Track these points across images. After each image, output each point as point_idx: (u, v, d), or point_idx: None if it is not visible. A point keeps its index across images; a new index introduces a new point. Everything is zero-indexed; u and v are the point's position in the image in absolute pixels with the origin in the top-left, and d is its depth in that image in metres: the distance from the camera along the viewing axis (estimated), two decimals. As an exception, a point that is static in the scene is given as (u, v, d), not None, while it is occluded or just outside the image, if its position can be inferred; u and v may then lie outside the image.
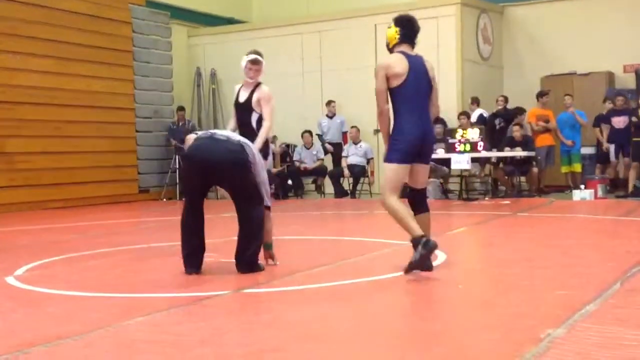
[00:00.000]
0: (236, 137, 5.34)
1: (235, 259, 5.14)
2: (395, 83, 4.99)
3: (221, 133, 5.31)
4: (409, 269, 4.80)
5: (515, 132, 11.94)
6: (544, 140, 12.57)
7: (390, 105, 5.07)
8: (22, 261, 5.92)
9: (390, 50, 5.17)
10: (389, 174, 5.03)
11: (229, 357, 3.12)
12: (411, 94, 5.00)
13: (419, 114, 5.01)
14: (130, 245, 7.02)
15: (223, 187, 5.38)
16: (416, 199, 5.21)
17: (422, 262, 4.76)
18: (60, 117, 12.24)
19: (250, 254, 5.08)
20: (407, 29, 5.10)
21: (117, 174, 13.25)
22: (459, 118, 12.38)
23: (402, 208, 4.99)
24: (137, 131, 13.75)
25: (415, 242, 4.80)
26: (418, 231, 4.83)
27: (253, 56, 6.04)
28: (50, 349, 3.28)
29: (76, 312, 4.07)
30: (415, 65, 5.06)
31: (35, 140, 11.82)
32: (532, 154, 11.89)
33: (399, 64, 4.99)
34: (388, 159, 5.04)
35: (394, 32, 5.10)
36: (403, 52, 5.07)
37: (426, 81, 5.11)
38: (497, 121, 12.69)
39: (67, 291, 4.65)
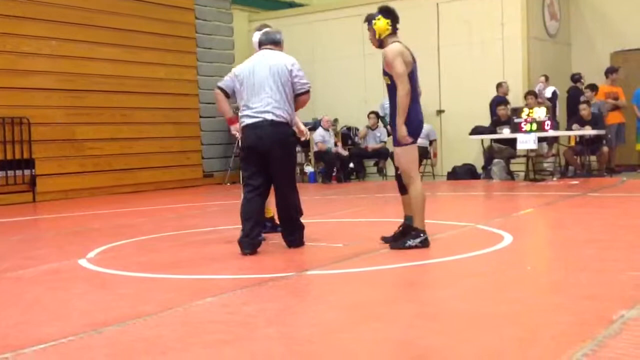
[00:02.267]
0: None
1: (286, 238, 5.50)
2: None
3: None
4: (394, 247, 5.19)
5: (583, 110, 11.59)
6: (614, 118, 12.17)
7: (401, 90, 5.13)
8: (95, 244, 6.10)
9: (381, 41, 5.30)
10: (411, 156, 5.24)
11: (295, 337, 3.15)
12: (414, 82, 5.23)
13: (418, 101, 5.30)
14: (196, 228, 7.16)
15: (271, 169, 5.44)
16: (404, 181, 5.38)
17: (406, 248, 5.14)
18: (128, 104, 12.54)
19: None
20: (395, 19, 5.29)
21: (182, 159, 13.50)
22: (525, 98, 12.08)
23: (424, 198, 5.29)
24: (201, 117, 13.96)
25: (419, 233, 5.19)
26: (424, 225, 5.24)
27: (268, 29, 5.85)
28: (122, 328, 3.38)
29: (147, 293, 4.18)
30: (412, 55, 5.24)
31: (103, 127, 12.15)
32: (602, 132, 11.53)
33: (407, 54, 5.20)
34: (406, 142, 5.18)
35: (384, 24, 5.24)
36: (401, 43, 5.24)
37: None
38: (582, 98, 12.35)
39: (138, 273, 4.78)
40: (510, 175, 11.99)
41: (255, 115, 5.34)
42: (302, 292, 4.15)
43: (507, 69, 12.95)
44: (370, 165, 14.06)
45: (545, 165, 12.52)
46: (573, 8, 14.23)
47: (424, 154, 13.00)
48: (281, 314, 3.55)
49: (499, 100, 12.33)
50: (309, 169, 13.78)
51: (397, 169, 5.44)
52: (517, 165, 12.23)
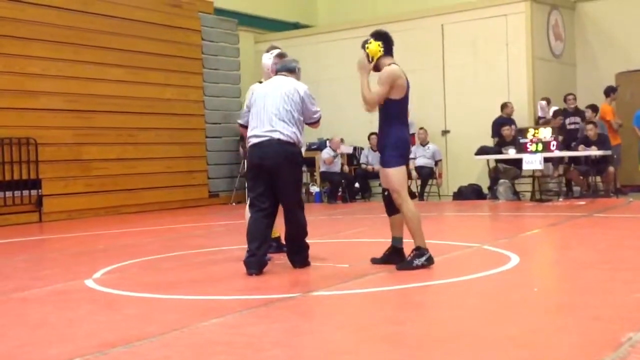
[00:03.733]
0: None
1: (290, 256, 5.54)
2: (399, 95, 5.28)
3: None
4: (401, 268, 5.19)
5: (590, 130, 11.59)
6: (613, 139, 12.18)
7: (384, 112, 5.38)
8: (100, 264, 6.10)
9: (376, 65, 5.37)
10: (401, 177, 5.31)
11: (301, 358, 3.14)
12: (407, 106, 5.37)
13: (407, 123, 5.51)
14: (202, 248, 7.15)
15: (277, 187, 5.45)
16: (392, 201, 5.40)
17: (413, 268, 5.14)
18: (134, 124, 12.60)
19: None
20: (387, 42, 5.37)
21: (188, 179, 13.53)
22: (554, 117, 12.17)
23: (419, 216, 5.31)
24: (207, 137, 14.01)
25: (422, 251, 5.20)
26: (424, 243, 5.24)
27: (278, 50, 6.07)
28: (129, 349, 3.37)
29: (153, 314, 4.17)
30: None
31: (110, 148, 12.20)
32: (609, 152, 11.52)
33: (403, 77, 5.27)
34: (396, 163, 5.27)
35: (376, 46, 5.33)
36: (397, 65, 5.31)
37: None
38: (567, 120, 12.40)
39: (144, 293, 4.78)
40: (516, 195, 11.98)
41: (262, 134, 5.39)
42: (307, 313, 4.14)
43: (512, 89, 12.99)
44: (375, 185, 14.06)
45: (551, 185, 12.50)
46: (578, 29, 14.29)
47: (429, 174, 13.03)
48: (287, 335, 3.53)
49: (503, 121, 12.39)
50: (314, 188, 13.79)
51: (384, 190, 5.50)
52: (523, 186, 12.22)
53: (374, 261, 5.49)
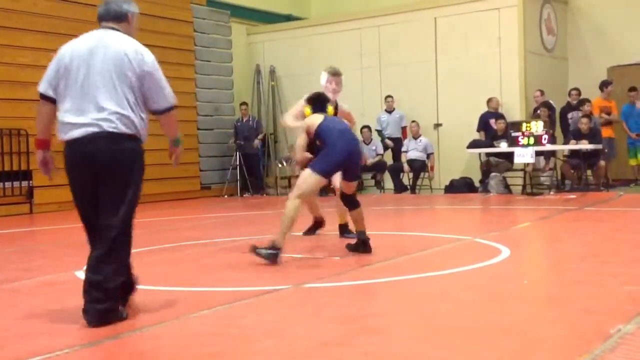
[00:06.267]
0: None
1: None
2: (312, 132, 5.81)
3: None
4: (250, 250, 5.36)
5: (584, 124, 11.61)
6: (605, 132, 12.23)
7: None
8: (91, 256, 6.06)
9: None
10: (311, 182, 5.59)
11: (292, 350, 3.14)
12: (327, 132, 5.75)
13: (342, 136, 5.81)
14: (193, 240, 7.15)
15: None
16: (346, 197, 5.90)
17: (257, 255, 5.31)
18: None
19: None
20: (315, 102, 5.98)
21: (179, 172, 13.48)
22: (536, 111, 12.19)
23: (294, 219, 5.50)
24: (198, 129, 13.98)
25: (275, 246, 5.30)
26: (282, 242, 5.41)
27: (334, 69, 6.61)
28: (119, 340, 3.36)
29: (143, 305, 4.16)
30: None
31: (101, 139, 12.13)
32: (599, 146, 11.56)
33: (311, 121, 5.80)
34: (318, 169, 5.60)
35: (308, 110, 6.08)
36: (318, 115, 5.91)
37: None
38: (569, 115, 12.43)
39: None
40: (508, 188, 12.01)
41: (84, 123, 3.65)
42: (299, 305, 4.14)
43: (504, 83, 13.00)
44: (367, 178, 14.07)
45: (542, 179, 12.54)
46: (570, 23, 14.31)
47: (421, 167, 13.04)
48: (278, 327, 3.54)
49: (489, 116, 12.44)
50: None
51: (342, 192, 5.87)
52: (515, 179, 12.25)
53: (349, 247, 5.80)
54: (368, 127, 13.61)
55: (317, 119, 5.79)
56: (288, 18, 16.48)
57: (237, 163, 13.83)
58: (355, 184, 5.92)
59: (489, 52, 13.08)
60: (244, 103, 14.37)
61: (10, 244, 7.58)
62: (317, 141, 5.79)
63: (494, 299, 4.08)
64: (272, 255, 5.28)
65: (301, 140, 5.88)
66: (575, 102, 12.53)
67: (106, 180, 3.73)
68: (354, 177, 5.84)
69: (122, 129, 3.69)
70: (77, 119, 3.67)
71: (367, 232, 5.76)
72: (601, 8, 14.00)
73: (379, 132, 13.75)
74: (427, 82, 13.62)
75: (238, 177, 13.94)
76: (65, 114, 3.71)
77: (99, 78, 3.68)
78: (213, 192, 14.10)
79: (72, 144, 3.70)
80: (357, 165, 5.84)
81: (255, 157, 14.28)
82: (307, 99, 6.12)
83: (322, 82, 6.53)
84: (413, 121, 13.23)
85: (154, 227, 8.75)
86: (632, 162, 12.53)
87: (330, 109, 6.17)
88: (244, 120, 14.14)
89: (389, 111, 13.71)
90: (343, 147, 5.60)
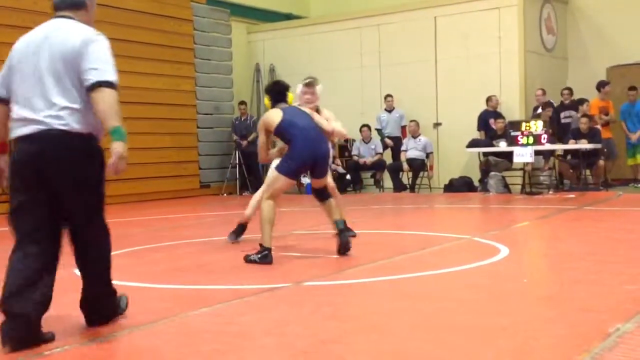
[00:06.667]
0: None
1: None
2: (274, 129, 5.75)
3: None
4: (245, 259, 5.39)
5: (583, 124, 11.62)
6: (604, 133, 12.24)
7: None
8: (91, 254, 6.06)
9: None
10: (280, 182, 5.59)
11: (292, 348, 3.14)
12: (291, 129, 5.62)
13: (305, 139, 5.71)
14: (193, 238, 7.15)
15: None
16: (317, 191, 5.82)
17: (249, 262, 5.33)
18: (125, 114, 12.10)
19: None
20: (274, 92, 6.01)
21: (179, 170, 13.50)
22: (543, 109, 12.18)
23: (272, 218, 5.48)
24: (198, 127, 13.98)
25: (263, 249, 5.34)
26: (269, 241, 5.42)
27: (308, 79, 6.37)
28: (118, 337, 3.37)
29: (143, 303, 4.16)
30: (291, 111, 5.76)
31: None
32: (599, 146, 11.57)
33: (271, 118, 5.70)
34: (285, 170, 5.57)
35: (267, 101, 6.09)
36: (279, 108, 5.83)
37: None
38: (562, 114, 12.44)
39: (134, 282, 4.76)
40: (507, 188, 12.01)
41: (34, 119, 3.39)
42: (298, 303, 4.15)
43: (504, 82, 13.00)
44: (367, 177, 14.07)
45: (541, 178, 12.55)
46: (570, 22, 14.31)
47: (420, 166, 13.05)
48: (277, 325, 3.54)
49: (488, 115, 12.44)
50: (305, 180, 13.77)
51: (314, 189, 5.80)
52: (514, 179, 12.26)
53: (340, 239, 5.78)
54: (368, 126, 13.61)
55: (275, 117, 5.62)
56: (288, 17, 16.47)
57: (237, 161, 13.84)
58: (324, 180, 5.79)
59: (488, 52, 13.08)
60: (243, 102, 14.37)
61: (9, 242, 7.56)
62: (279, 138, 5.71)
63: (493, 298, 4.08)
64: (263, 257, 5.30)
65: (261, 140, 5.81)
66: (567, 101, 12.53)
67: (58, 185, 3.49)
68: (321, 175, 5.70)
69: (74, 126, 3.41)
70: (26, 115, 3.39)
71: (367, 231, 5.75)
72: (601, 8, 14.00)
73: (379, 131, 13.75)
74: (426, 81, 13.62)
75: (237, 176, 13.95)
76: (16, 111, 3.44)
77: (47, 72, 3.40)
78: (212, 190, 14.10)
79: (19, 141, 3.43)
80: (324, 165, 5.68)
81: (255, 155, 14.26)
82: (265, 89, 6.04)
83: (297, 93, 6.36)
84: (412, 120, 13.23)
85: (153, 225, 8.76)
86: (630, 161, 12.53)
87: (291, 96, 6.05)
88: (242, 119, 14.15)
89: (389, 110, 13.71)
90: (305, 151, 5.49)
